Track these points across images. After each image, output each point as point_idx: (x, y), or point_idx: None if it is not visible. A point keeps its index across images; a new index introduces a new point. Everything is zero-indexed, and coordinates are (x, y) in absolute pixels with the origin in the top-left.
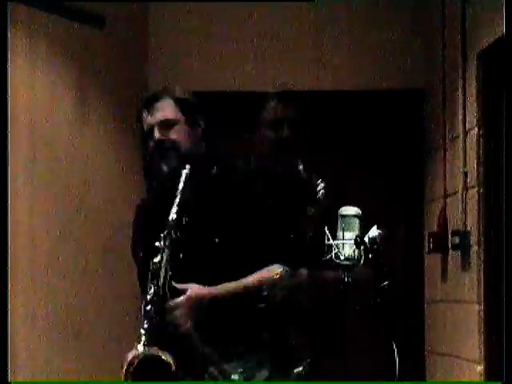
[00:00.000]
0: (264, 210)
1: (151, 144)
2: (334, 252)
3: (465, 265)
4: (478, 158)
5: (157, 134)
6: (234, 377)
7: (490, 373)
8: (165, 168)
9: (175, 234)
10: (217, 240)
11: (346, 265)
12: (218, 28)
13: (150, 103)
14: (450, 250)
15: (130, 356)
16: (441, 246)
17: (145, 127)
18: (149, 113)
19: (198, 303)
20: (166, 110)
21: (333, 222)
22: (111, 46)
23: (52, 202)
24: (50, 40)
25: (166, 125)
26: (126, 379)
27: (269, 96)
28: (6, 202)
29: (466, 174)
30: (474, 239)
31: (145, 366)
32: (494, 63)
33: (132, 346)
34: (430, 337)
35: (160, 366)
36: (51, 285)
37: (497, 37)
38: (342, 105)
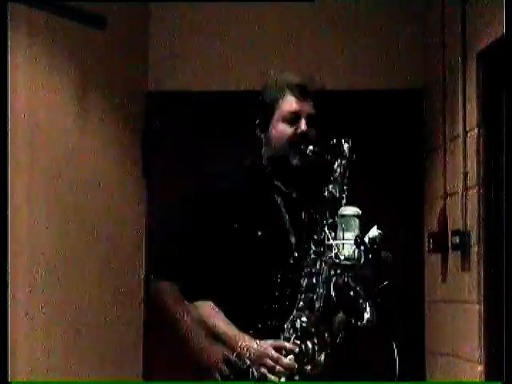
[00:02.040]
0: None
1: (290, 131)
2: (333, 252)
3: (465, 265)
4: (478, 157)
5: (303, 126)
6: None
7: (490, 373)
8: (300, 162)
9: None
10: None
11: (346, 265)
12: (218, 28)
13: (304, 90)
14: (450, 250)
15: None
16: (441, 246)
17: (283, 108)
18: (299, 99)
19: None
20: (313, 104)
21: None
22: (111, 46)
23: (52, 202)
24: (50, 40)
25: (309, 119)
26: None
27: (286, 89)
28: (6, 201)
29: (466, 174)
30: (474, 239)
31: None
32: (493, 63)
33: (132, 346)
34: (430, 337)
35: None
36: (51, 285)
37: (497, 37)
38: (341, 105)
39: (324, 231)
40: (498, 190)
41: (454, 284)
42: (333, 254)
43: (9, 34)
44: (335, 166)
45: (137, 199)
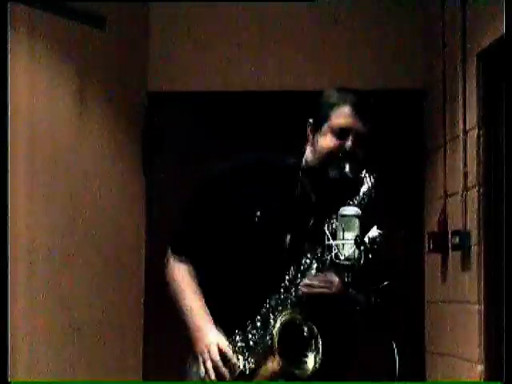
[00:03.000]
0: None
1: (336, 144)
2: (333, 252)
3: (465, 265)
4: (478, 157)
5: (349, 143)
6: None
7: (490, 373)
8: (336, 176)
9: None
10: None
11: (346, 265)
12: (219, 28)
13: (360, 107)
14: (450, 250)
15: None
16: (441, 246)
17: (335, 120)
18: (353, 115)
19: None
20: (365, 124)
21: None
22: (111, 46)
23: (52, 201)
24: (50, 40)
25: (358, 137)
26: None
27: (341, 99)
28: (6, 201)
29: (466, 174)
30: (474, 239)
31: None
32: (494, 63)
33: (132, 347)
34: (430, 337)
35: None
36: (51, 285)
37: (497, 37)
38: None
39: (323, 235)
40: (498, 190)
41: (454, 284)
42: (333, 254)
43: (9, 33)
44: (361, 192)
45: (137, 199)
